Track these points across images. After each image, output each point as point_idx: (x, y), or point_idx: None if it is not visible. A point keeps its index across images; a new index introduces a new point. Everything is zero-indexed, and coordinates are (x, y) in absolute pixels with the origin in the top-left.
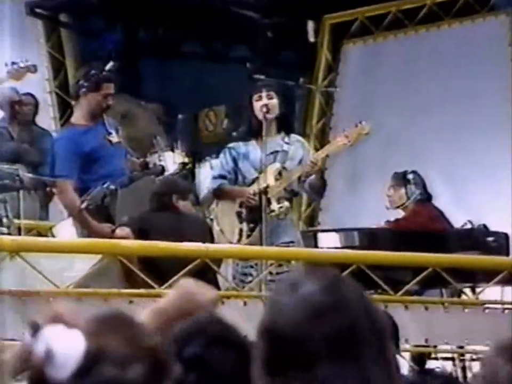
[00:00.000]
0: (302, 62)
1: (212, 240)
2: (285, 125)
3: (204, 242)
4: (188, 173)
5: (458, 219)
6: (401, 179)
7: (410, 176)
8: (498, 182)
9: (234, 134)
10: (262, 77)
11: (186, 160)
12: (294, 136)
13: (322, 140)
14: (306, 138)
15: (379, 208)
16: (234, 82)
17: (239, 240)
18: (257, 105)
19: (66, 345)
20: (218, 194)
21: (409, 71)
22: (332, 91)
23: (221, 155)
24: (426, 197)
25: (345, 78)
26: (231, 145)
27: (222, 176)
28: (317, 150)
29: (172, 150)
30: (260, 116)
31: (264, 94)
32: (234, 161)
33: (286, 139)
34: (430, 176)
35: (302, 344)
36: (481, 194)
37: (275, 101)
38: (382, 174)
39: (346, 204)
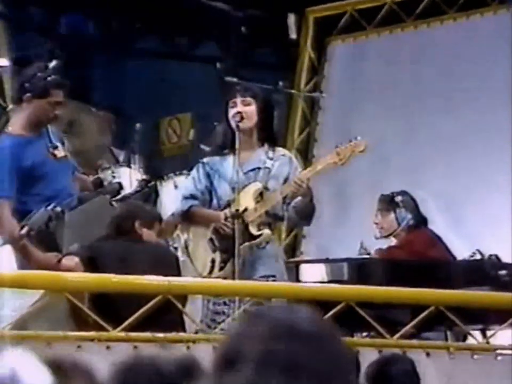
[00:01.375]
0: (282, 63)
1: (178, 273)
2: (269, 136)
3: (168, 275)
4: (150, 192)
5: (457, 247)
6: (389, 202)
7: (399, 198)
8: (501, 206)
9: (203, 147)
10: (235, 79)
11: (145, 177)
12: (279, 150)
13: (305, 154)
14: (288, 151)
15: (371, 236)
16: (202, 86)
17: (210, 273)
18: (230, 112)
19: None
20: (189, 217)
21: (406, 73)
22: (317, 97)
23: (193, 171)
24: (421, 221)
25: (332, 82)
26: (205, 160)
27: (193, 196)
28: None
29: (128, 166)
30: (233, 125)
31: (238, 100)
32: (209, 178)
33: (270, 153)
34: (424, 198)
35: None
36: (482, 219)
37: (252, 108)
38: (375, 195)
39: (333, 230)
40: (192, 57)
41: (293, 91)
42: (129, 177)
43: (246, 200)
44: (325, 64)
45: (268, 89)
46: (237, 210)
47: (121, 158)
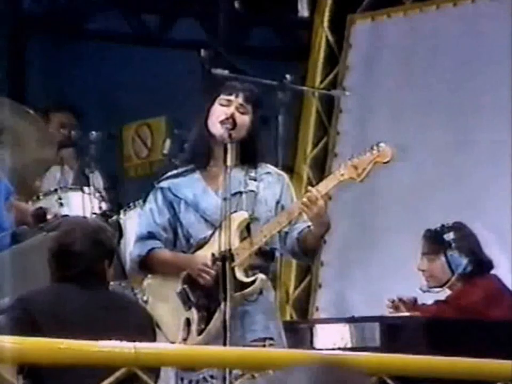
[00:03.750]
0: (289, 49)
1: (154, 338)
2: (250, 151)
3: (141, 340)
4: (114, 226)
5: None
6: (436, 241)
7: (450, 236)
8: None
9: (176, 162)
10: (225, 72)
11: (104, 205)
12: (262, 167)
13: (321, 172)
14: (298, 170)
15: (410, 286)
16: (180, 80)
17: (185, 339)
18: (218, 113)
19: None
20: (149, 265)
21: (454, 61)
22: (338, 95)
23: (149, 200)
24: (483, 266)
25: (359, 75)
26: (165, 183)
27: (152, 235)
28: (312, 185)
29: (81, 189)
30: (219, 132)
31: (235, 100)
32: (172, 209)
33: (252, 173)
34: (482, 232)
35: None
36: None
37: (247, 119)
38: (413, 227)
39: (359, 278)
40: (166, 42)
41: (304, 87)
42: (82, 206)
43: (230, 236)
44: (348, 51)
45: (271, 85)
46: (229, 250)
47: (70, 179)
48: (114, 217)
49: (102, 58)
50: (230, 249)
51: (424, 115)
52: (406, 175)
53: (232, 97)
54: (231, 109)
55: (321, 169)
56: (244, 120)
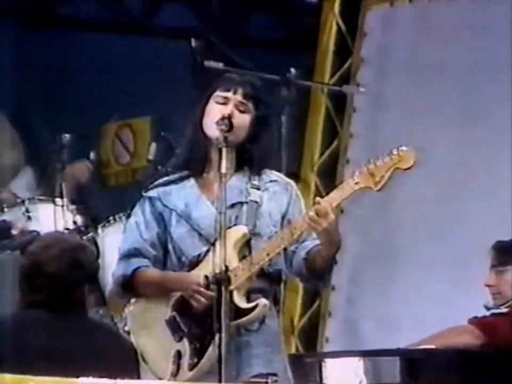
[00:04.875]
0: (294, 39)
1: (137, 372)
2: (252, 156)
3: (124, 376)
4: (90, 243)
5: None
6: (507, 252)
7: None
8: None
9: (163, 169)
10: (220, 65)
11: (79, 219)
12: (267, 174)
13: (331, 181)
14: (305, 177)
15: (436, 307)
16: (168, 74)
17: (175, 374)
18: (214, 112)
19: None
20: (134, 286)
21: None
22: (352, 92)
23: (136, 212)
24: None
25: (373, 68)
26: (153, 192)
27: (138, 253)
28: (321, 196)
29: (52, 201)
30: (215, 135)
31: (233, 97)
32: (163, 222)
33: (255, 180)
34: None
35: None
36: None
37: (247, 119)
38: (436, 238)
39: (374, 301)
40: (151, 30)
41: (311, 83)
42: (53, 219)
43: (227, 254)
44: (362, 40)
45: (272, 80)
46: (226, 268)
47: (40, 189)
48: (91, 234)
49: (75, 47)
50: (226, 270)
51: (443, 113)
52: (424, 180)
53: (229, 94)
54: (229, 108)
55: (331, 177)
56: (244, 120)
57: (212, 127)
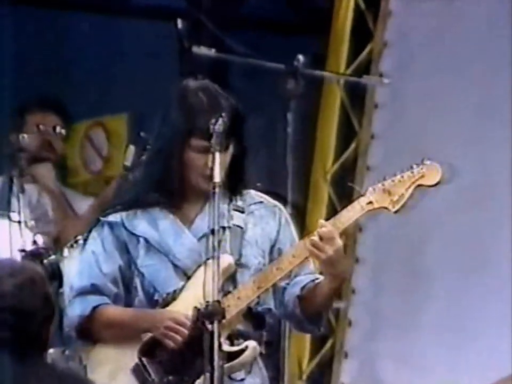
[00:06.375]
0: (303, 21)
1: None
2: (237, 176)
3: None
4: (51, 269)
5: None
6: None
7: None
8: None
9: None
10: (211, 51)
11: (40, 239)
12: (251, 195)
13: (349, 191)
14: (316, 188)
15: (472, 343)
16: (150, 61)
17: None
18: (195, 161)
19: None
20: (93, 328)
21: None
22: (373, 84)
23: (93, 240)
24: None
25: (399, 54)
26: (114, 217)
27: (95, 290)
28: (326, 219)
29: (8, 217)
30: (201, 184)
31: (209, 143)
32: (127, 254)
33: (239, 202)
34: None
35: None
36: None
37: (228, 155)
38: (470, 260)
39: (399, 339)
40: (131, 10)
41: (324, 73)
42: (8, 240)
43: (209, 287)
44: (386, 22)
45: (277, 70)
46: (218, 301)
47: None
48: (53, 257)
49: (41, 30)
50: (219, 302)
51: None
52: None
53: (207, 143)
54: (210, 157)
55: (348, 188)
56: (226, 157)
57: (196, 178)
